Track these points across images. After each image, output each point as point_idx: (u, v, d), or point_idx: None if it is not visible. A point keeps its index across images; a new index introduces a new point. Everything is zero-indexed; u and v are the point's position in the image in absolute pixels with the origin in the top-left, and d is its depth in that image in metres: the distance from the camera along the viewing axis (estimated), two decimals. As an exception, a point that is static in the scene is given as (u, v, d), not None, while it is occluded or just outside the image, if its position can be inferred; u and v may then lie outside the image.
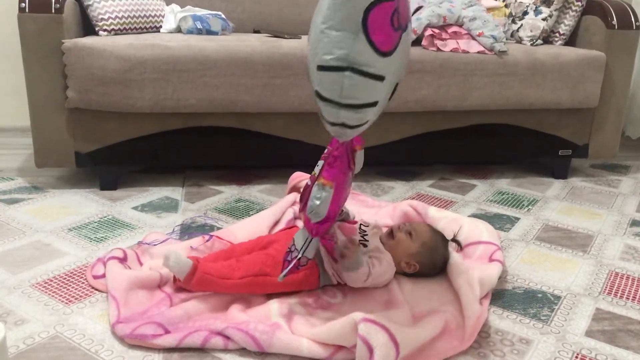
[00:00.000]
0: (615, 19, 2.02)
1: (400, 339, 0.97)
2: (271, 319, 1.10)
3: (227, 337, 1.04)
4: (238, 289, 1.15)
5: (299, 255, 1.07)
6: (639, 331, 1.15)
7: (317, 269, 1.20)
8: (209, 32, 1.96)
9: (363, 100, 0.95)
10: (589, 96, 2.00)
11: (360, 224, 1.30)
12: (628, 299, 1.28)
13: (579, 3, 2.08)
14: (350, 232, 1.25)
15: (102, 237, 1.49)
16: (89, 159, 1.80)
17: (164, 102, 1.73)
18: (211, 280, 1.14)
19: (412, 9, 2.01)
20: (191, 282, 1.13)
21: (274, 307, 1.14)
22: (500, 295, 1.26)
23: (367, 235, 1.26)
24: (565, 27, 2.12)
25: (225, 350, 1.04)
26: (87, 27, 1.88)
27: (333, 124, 0.99)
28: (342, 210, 1.28)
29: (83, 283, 1.25)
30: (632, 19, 2.03)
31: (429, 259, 1.26)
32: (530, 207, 1.83)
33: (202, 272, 1.13)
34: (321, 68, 0.94)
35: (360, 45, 0.91)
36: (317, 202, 1.04)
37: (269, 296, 1.19)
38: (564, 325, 1.16)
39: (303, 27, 2.31)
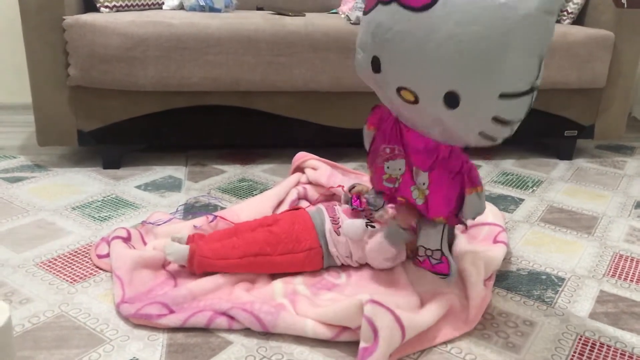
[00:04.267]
0: (626, 0, 1.98)
1: (407, 323, 0.97)
2: (275, 300, 1.10)
3: (232, 317, 1.04)
4: (238, 268, 1.16)
5: (443, 252, 1.11)
6: (642, 313, 1.15)
7: (320, 250, 1.20)
8: (212, 9, 1.93)
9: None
10: (597, 76, 1.98)
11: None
12: (632, 281, 1.28)
13: (589, -19, 2.05)
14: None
15: (106, 216, 1.49)
16: (92, 137, 1.79)
17: (166, 81, 1.71)
18: (210, 262, 1.15)
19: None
20: (193, 266, 1.15)
21: (278, 288, 1.14)
22: (504, 277, 1.26)
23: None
24: (573, 5, 2.09)
25: (230, 330, 1.04)
26: (88, 3, 1.85)
27: (495, 140, 0.97)
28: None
29: (87, 262, 1.25)
30: (642, -2, 1.99)
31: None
32: (534, 188, 1.82)
33: (200, 255, 1.15)
34: (508, 96, 0.90)
35: (542, 65, 0.91)
36: (481, 208, 1.06)
37: (273, 276, 1.19)
38: (568, 307, 1.16)
39: (307, 4, 2.27)
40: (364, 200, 1.24)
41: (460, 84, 0.90)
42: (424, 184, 1.08)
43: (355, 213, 1.25)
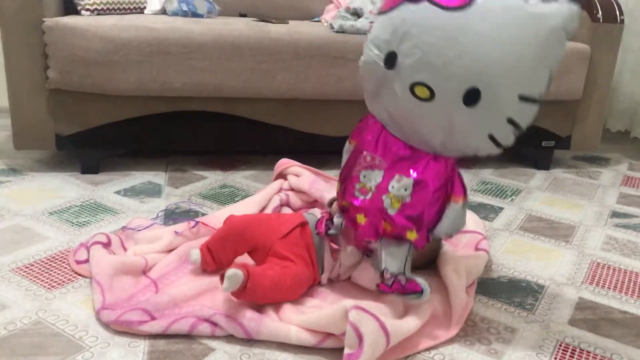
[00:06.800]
0: (600, 12, 2.04)
1: (391, 329, 0.97)
2: (259, 306, 1.09)
3: (215, 324, 1.03)
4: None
5: (407, 276, 1.06)
6: (620, 320, 1.17)
7: (318, 275, 1.19)
8: (195, 15, 1.92)
9: None
10: (573, 88, 2.02)
11: None
12: (609, 288, 1.30)
13: (565, -5, 2.09)
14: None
15: (84, 221, 1.47)
16: (70, 141, 1.76)
17: (148, 85, 1.70)
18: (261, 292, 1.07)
19: None
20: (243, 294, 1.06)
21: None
22: (485, 284, 1.28)
23: None
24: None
25: (213, 336, 1.03)
26: (69, 6, 1.82)
27: (500, 146, 1.01)
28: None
29: (65, 268, 1.23)
30: (617, 13, 2.05)
31: (424, 259, 1.26)
32: (513, 197, 1.85)
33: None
34: (526, 99, 0.95)
35: (550, 77, 0.97)
36: (463, 221, 1.07)
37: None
38: (548, 314, 1.17)
39: (290, 12, 2.28)
40: (329, 224, 1.19)
41: (485, 80, 0.93)
42: (405, 189, 1.04)
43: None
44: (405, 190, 1.04)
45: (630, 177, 2.14)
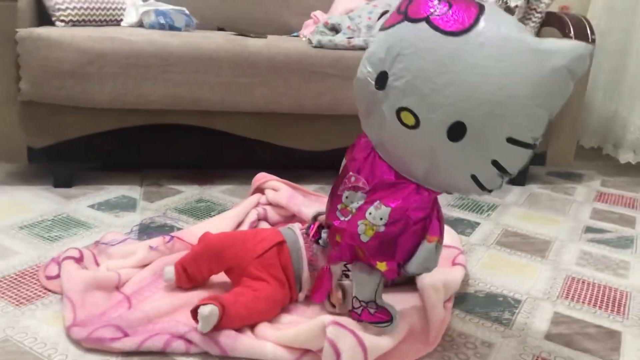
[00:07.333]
0: (572, 31, 2.08)
1: (369, 345, 0.96)
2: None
3: (189, 341, 1.01)
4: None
5: (377, 304, 1.03)
6: (594, 334, 1.18)
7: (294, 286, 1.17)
8: (172, 28, 1.91)
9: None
10: (547, 105, 2.05)
11: None
12: (584, 303, 1.31)
13: (539, 15, 2.14)
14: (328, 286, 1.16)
15: (56, 236, 1.43)
16: (43, 154, 1.72)
17: (124, 98, 1.68)
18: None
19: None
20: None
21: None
22: (462, 299, 1.28)
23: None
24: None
25: (187, 354, 1.00)
26: (43, 16, 1.80)
27: (483, 189, 0.93)
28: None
29: (35, 284, 1.19)
30: (588, 32, 2.10)
31: (403, 275, 1.25)
32: (490, 212, 1.86)
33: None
34: (514, 142, 0.86)
35: (549, 121, 0.88)
36: (434, 263, 1.02)
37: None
38: (525, 329, 1.18)
39: (269, 26, 2.29)
40: (320, 233, 1.18)
41: (471, 116, 0.86)
42: (381, 219, 0.98)
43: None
44: (381, 219, 0.98)
45: (603, 193, 2.18)
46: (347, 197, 1.04)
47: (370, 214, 0.99)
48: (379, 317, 1.03)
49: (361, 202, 1.01)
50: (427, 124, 0.90)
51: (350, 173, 1.04)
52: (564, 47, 0.82)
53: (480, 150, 0.88)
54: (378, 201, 0.99)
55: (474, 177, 0.91)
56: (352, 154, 1.07)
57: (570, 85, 0.85)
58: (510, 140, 0.86)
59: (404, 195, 0.98)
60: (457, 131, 0.87)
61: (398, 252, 0.99)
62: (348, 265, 1.10)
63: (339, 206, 1.05)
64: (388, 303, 1.05)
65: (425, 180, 0.97)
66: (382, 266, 1.00)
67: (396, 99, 0.93)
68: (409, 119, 0.92)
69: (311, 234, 1.19)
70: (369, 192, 1.01)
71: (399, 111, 0.93)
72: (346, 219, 1.03)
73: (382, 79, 0.94)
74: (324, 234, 1.17)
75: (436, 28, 0.87)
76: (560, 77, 0.83)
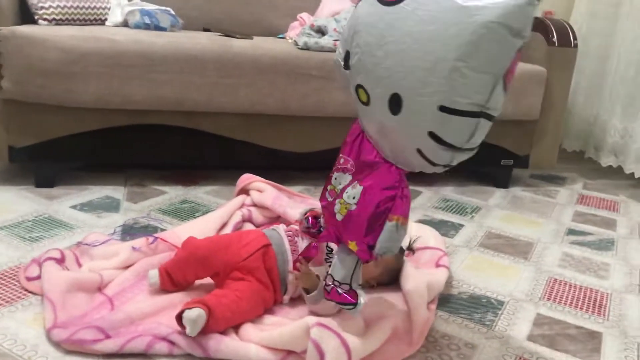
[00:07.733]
0: (555, 36, 2.11)
1: (352, 346, 0.96)
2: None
3: (172, 343, 1.00)
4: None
5: (352, 286, 1.01)
6: (576, 335, 1.20)
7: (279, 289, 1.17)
8: (157, 28, 1.90)
9: (480, 142, 0.87)
10: (531, 109, 2.08)
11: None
12: (566, 304, 1.33)
13: (523, 19, 2.16)
14: (314, 253, 1.19)
15: (37, 236, 1.41)
16: (24, 154, 1.70)
17: (108, 98, 1.66)
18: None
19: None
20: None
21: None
22: (446, 300, 1.28)
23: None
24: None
25: (170, 355, 1.00)
26: (26, 15, 1.78)
27: (434, 165, 0.88)
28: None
29: (15, 285, 1.18)
30: (571, 37, 2.13)
31: (388, 277, 1.26)
32: (473, 214, 1.88)
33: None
34: (448, 110, 0.80)
35: (498, 89, 0.80)
36: (396, 243, 0.98)
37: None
38: (507, 330, 1.19)
39: (254, 28, 2.28)
40: (320, 222, 1.20)
41: (404, 86, 0.82)
42: (354, 198, 0.97)
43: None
44: (354, 198, 0.97)
45: (585, 196, 2.20)
46: (335, 179, 1.06)
47: (346, 193, 0.99)
48: (345, 299, 1.00)
49: (346, 183, 1.02)
50: (374, 99, 0.88)
51: (341, 155, 1.06)
52: (492, 2, 0.75)
53: (416, 122, 0.84)
54: (356, 181, 0.99)
55: (419, 151, 0.87)
56: (346, 137, 1.08)
57: (513, 42, 0.77)
58: (443, 109, 0.80)
59: (377, 174, 0.97)
60: (394, 104, 0.84)
61: (367, 232, 0.96)
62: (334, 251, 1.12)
63: (328, 187, 1.07)
64: (362, 292, 1.02)
65: (393, 158, 0.95)
66: (352, 245, 0.97)
67: (353, 77, 0.93)
68: (363, 96, 0.91)
69: (311, 224, 1.21)
70: (354, 173, 1.02)
71: (356, 89, 0.93)
72: (331, 200, 1.05)
73: (347, 59, 0.94)
74: (322, 220, 1.18)
75: (380, 1, 0.85)
76: (493, 34, 0.76)
